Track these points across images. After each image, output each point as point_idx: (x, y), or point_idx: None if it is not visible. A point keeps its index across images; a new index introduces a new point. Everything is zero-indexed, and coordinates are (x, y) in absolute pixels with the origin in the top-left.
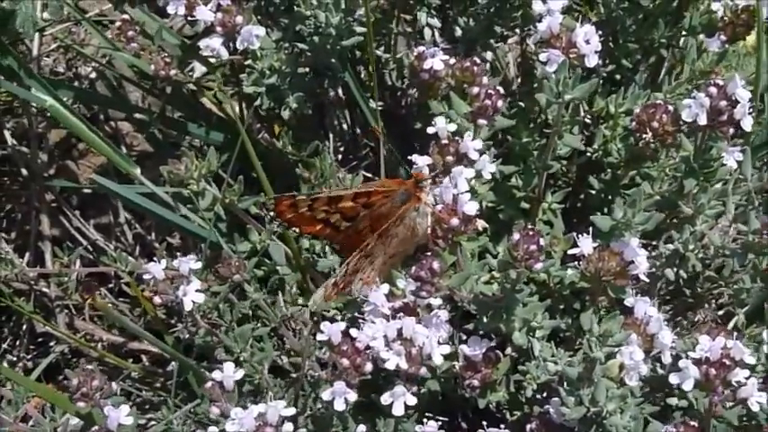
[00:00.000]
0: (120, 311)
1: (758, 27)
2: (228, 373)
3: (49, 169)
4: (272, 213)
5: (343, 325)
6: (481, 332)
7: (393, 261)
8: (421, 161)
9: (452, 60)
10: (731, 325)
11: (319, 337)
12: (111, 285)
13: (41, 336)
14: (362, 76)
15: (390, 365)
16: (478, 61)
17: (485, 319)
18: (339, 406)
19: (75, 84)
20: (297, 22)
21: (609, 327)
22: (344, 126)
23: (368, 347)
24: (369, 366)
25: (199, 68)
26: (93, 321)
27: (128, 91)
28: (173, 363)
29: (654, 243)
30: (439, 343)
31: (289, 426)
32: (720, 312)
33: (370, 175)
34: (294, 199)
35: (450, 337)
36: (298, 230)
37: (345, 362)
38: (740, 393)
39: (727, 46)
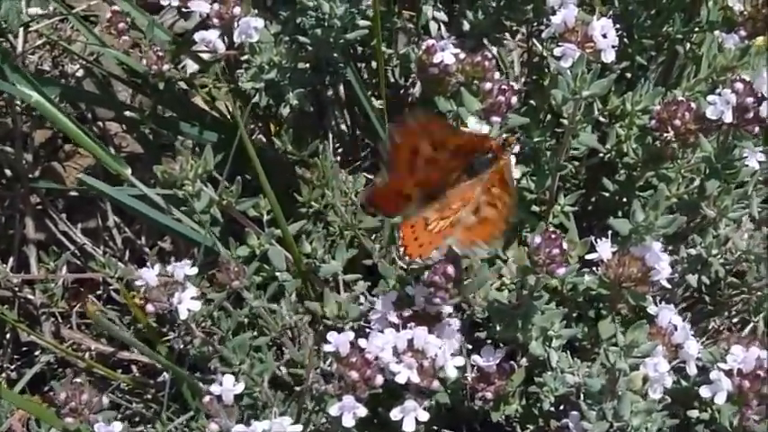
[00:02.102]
0: (108, 320)
1: None
2: (228, 387)
3: (35, 171)
4: (411, 123)
5: (351, 335)
6: (490, 341)
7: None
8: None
9: (462, 55)
10: (747, 331)
11: (326, 348)
12: (99, 292)
13: (26, 345)
14: (363, 73)
15: (401, 379)
16: (490, 56)
17: (498, 328)
18: (348, 422)
19: (62, 82)
20: (298, 14)
21: (635, 336)
22: (344, 127)
23: (377, 359)
24: (379, 379)
25: (191, 66)
26: (81, 330)
27: (116, 90)
28: (164, 374)
29: (672, 248)
30: (452, 354)
31: None
32: (735, 320)
33: (371, 177)
34: (439, 124)
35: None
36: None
37: (354, 374)
38: None
39: (746, 42)
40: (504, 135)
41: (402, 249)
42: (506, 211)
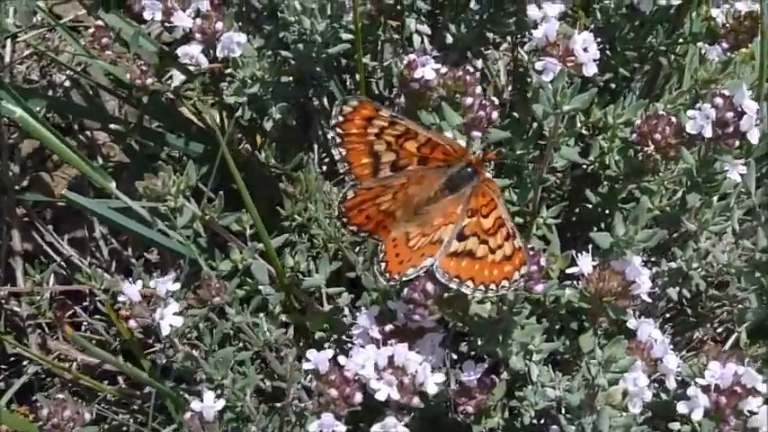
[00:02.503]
0: (94, 331)
1: (761, 34)
2: (208, 404)
3: (22, 181)
4: (340, 118)
5: (330, 352)
6: (473, 354)
7: None
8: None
9: (444, 69)
10: (730, 342)
11: (305, 365)
12: (86, 303)
13: (13, 356)
14: (348, 84)
15: (381, 396)
16: (471, 70)
17: (479, 342)
18: None
19: (50, 92)
20: (280, 28)
21: (613, 352)
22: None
23: (356, 376)
24: (358, 397)
25: (178, 77)
26: (67, 341)
27: (104, 99)
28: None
29: (654, 259)
30: (432, 369)
31: None
32: (720, 330)
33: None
34: (377, 113)
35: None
36: (344, 152)
37: (333, 392)
38: (751, 423)
39: (729, 54)
40: (483, 148)
41: (383, 265)
42: (505, 264)
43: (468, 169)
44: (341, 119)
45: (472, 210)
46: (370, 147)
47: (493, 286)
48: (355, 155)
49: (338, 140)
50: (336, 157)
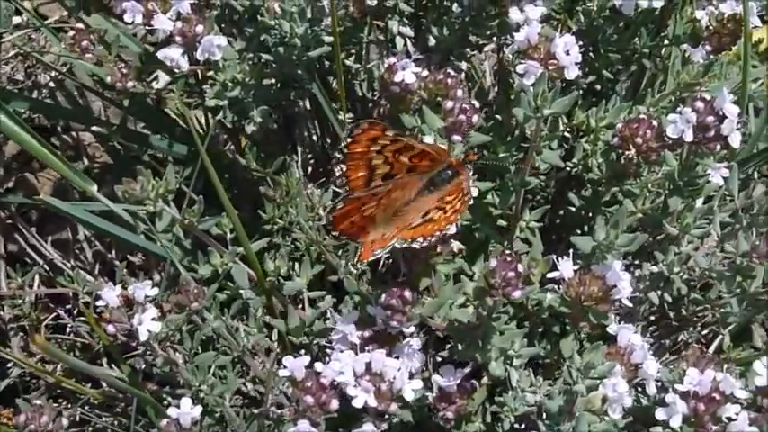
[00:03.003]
0: (78, 334)
1: (744, 36)
2: (185, 410)
3: (7, 182)
4: (349, 140)
5: (306, 359)
6: (454, 359)
7: None
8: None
9: (425, 72)
10: (714, 346)
11: (281, 372)
12: (68, 306)
13: None
14: (333, 86)
15: (358, 403)
16: (453, 73)
17: (460, 347)
18: None
19: (35, 92)
20: (261, 31)
21: (591, 358)
22: (314, 137)
23: (333, 383)
24: (334, 404)
25: (163, 78)
26: (51, 342)
27: (90, 100)
28: None
29: (636, 262)
30: (411, 374)
31: None
32: (705, 332)
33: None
34: (383, 133)
35: (424, 363)
36: (345, 168)
37: (309, 399)
38: (730, 429)
39: (712, 57)
40: (465, 151)
41: (357, 255)
42: (453, 215)
43: (449, 171)
44: (348, 140)
45: (444, 201)
46: (368, 161)
47: (438, 233)
48: (354, 170)
49: (341, 158)
50: (337, 173)
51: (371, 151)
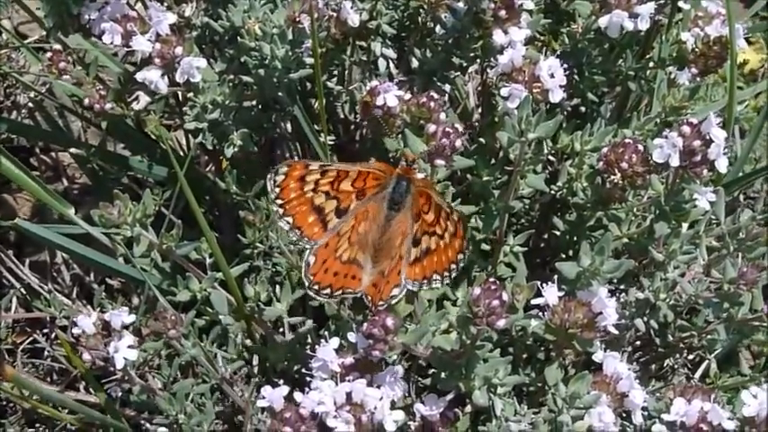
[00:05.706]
0: (54, 359)
1: (731, 59)
2: None
3: None
4: (276, 190)
5: (285, 389)
6: (436, 387)
7: None
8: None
9: (408, 95)
10: (701, 371)
11: (259, 402)
12: (46, 330)
13: None
14: (315, 108)
15: None
16: (436, 96)
17: (443, 375)
18: None
19: (14, 113)
20: (242, 53)
21: (577, 387)
22: (296, 158)
23: (312, 413)
24: None
25: (143, 98)
26: (28, 367)
27: (70, 120)
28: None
29: (622, 287)
30: (393, 403)
31: None
32: (691, 356)
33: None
34: (307, 169)
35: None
36: (291, 220)
37: (288, 430)
38: None
39: (698, 80)
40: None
41: (369, 299)
42: (455, 241)
43: (402, 182)
44: (277, 190)
45: (416, 214)
46: (311, 203)
47: (453, 266)
48: (301, 217)
49: (282, 212)
50: (285, 228)
51: (306, 192)
